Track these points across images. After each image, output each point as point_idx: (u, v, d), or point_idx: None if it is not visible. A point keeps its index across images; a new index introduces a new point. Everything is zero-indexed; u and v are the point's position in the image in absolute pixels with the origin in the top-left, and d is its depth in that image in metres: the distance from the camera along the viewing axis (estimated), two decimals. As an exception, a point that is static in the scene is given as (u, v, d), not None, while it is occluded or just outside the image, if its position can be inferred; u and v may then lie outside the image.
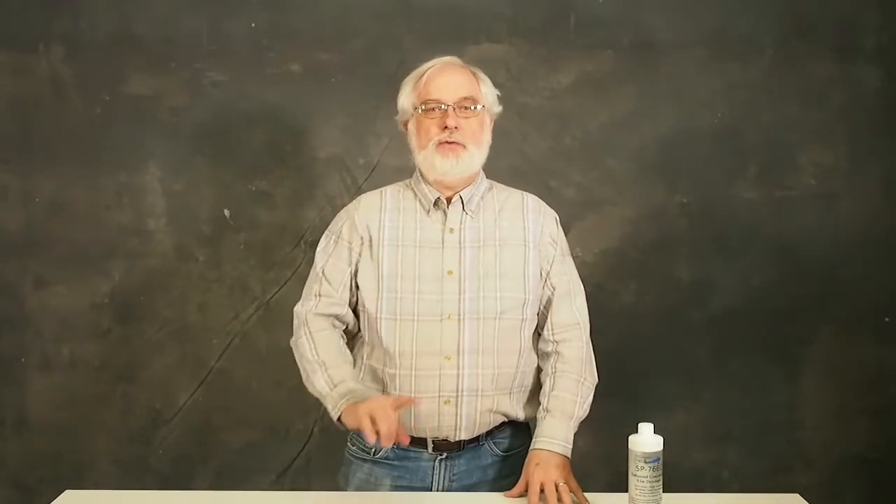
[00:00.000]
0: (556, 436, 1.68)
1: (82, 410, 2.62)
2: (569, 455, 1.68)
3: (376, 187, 1.87)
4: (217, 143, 2.61)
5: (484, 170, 1.84)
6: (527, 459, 1.68)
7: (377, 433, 1.49)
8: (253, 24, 2.58)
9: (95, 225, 2.60)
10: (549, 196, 2.53)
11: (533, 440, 1.71)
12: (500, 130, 2.64)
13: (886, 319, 2.62)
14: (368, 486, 1.76)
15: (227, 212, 2.61)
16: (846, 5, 2.59)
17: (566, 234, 2.53)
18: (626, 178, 2.61)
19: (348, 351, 1.78)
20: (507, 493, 1.66)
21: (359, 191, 2.57)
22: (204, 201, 2.61)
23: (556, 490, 1.60)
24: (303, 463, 2.63)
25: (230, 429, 2.62)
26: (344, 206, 1.91)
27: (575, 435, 1.72)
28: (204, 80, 2.58)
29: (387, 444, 1.51)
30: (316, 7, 2.59)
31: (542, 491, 1.61)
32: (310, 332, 1.74)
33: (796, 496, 1.66)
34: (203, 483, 2.60)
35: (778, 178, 2.61)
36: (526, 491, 1.63)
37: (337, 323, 1.79)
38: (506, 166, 2.54)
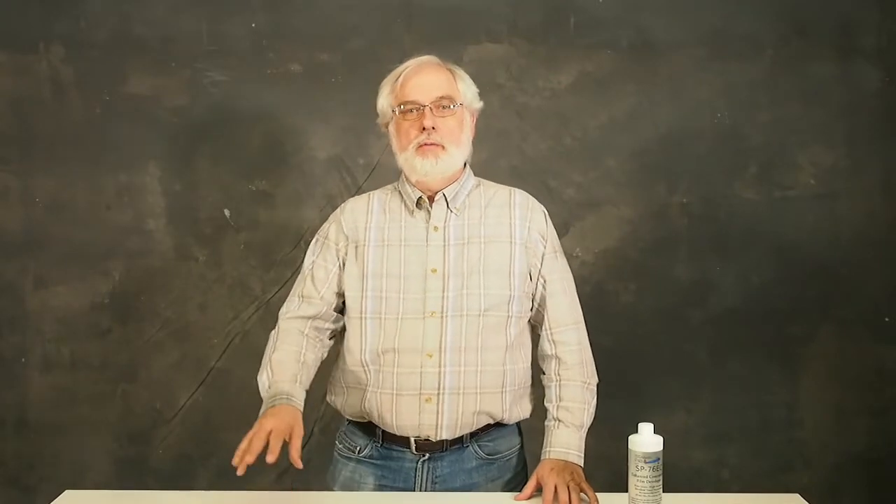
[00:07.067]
0: (570, 446, 1.69)
1: (82, 410, 2.62)
2: (582, 464, 1.69)
3: (376, 187, 1.87)
4: (217, 143, 2.61)
5: (484, 169, 1.83)
6: (540, 465, 1.68)
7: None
8: (253, 24, 2.58)
9: (95, 225, 2.60)
10: (549, 196, 2.55)
11: (545, 448, 1.71)
12: (500, 130, 2.63)
13: (886, 319, 2.62)
14: (353, 483, 1.75)
15: (227, 212, 2.61)
16: (846, 5, 2.58)
17: (565, 233, 2.56)
18: (626, 178, 2.61)
19: (309, 357, 1.73)
20: (519, 494, 1.65)
21: (359, 191, 2.57)
22: (204, 201, 2.61)
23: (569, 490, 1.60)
24: (303, 463, 2.62)
25: (230, 429, 2.60)
26: (343, 206, 1.91)
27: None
28: (204, 80, 2.58)
29: (248, 460, 1.59)
30: (316, 7, 2.59)
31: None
32: (277, 333, 1.75)
33: (796, 496, 1.66)
34: (203, 483, 2.60)
35: (778, 178, 2.61)
36: (536, 492, 1.64)
37: (317, 325, 1.77)
38: (506, 166, 2.55)
